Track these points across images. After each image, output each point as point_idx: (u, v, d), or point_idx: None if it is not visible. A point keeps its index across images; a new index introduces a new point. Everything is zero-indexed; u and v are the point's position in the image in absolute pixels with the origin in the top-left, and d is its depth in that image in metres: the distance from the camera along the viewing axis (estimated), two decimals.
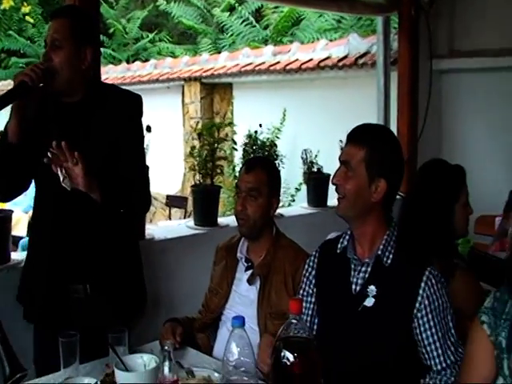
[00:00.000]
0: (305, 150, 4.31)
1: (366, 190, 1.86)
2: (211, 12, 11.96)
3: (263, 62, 6.87)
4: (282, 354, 1.39)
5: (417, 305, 1.82)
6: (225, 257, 2.46)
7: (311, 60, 6.24)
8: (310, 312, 2.03)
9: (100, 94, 2.32)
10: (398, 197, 2.00)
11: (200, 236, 3.52)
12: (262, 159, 3.39)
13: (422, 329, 1.83)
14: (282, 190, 2.47)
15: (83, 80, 2.27)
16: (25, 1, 12.62)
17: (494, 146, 4.54)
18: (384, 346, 1.82)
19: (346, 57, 5.85)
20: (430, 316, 1.82)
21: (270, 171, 2.40)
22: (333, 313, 1.95)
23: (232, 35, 11.16)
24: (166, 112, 8.10)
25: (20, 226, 6.10)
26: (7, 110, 2.18)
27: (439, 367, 1.83)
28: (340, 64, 5.80)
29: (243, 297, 2.36)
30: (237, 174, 2.46)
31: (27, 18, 12.84)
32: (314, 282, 2.04)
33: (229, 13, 11.39)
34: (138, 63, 9.94)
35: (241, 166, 2.57)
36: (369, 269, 1.89)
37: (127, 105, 2.33)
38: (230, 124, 4.35)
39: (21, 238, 5.85)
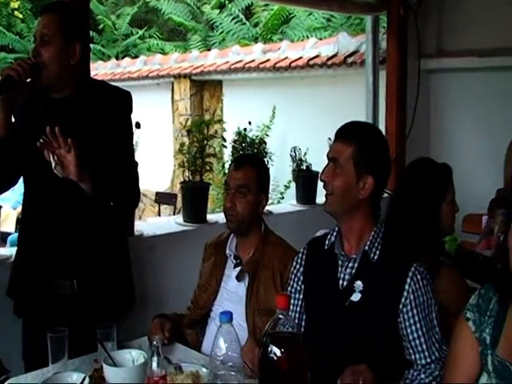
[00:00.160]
0: (294, 148, 4.33)
1: (353, 187, 1.88)
2: (201, 9, 11.93)
3: (253, 60, 6.88)
4: (269, 349, 1.39)
5: (402, 300, 1.84)
6: (214, 254, 2.46)
7: (301, 58, 6.25)
8: (297, 309, 2.04)
9: (89, 90, 2.33)
10: (385, 195, 2.02)
11: (189, 232, 3.53)
12: (251, 156, 3.41)
13: (407, 323, 1.85)
14: (271, 187, 2.48)
15: (72, 76, 2.28)
16: None
17: (482, 145, 4.58)
18: (371, 341, 1.84)
19: (335, 55, 5.87)
20: (414, 311, 1.84)
21: (259, 168, 2.41)
22: (320, 308, 1.97)
23: (222, 32, 11.14)
24: (155, 109, 8.08)
25: (9, 222, 6.09)
26: None
27: (423, 362, 1.85)
28: (329, 62, 5.82)
29: (232, 293, 2.37)
30: (226, 171, 2.48)
31: (16, 13, 12.73)
32: (301, 278, 2.05)
33: (219, 10, 11.36)
34: (127, 59, 9.89)
35: (230, 163, 2.58)
36: (356, 264, 1.91)
37: (116, 101, 2.33)
38: (220, 121, 4.37)
39: (9, 234, 5.84)
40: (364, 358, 1.73)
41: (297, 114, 6.29)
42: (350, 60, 5.62)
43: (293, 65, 6.23)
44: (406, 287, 1.84)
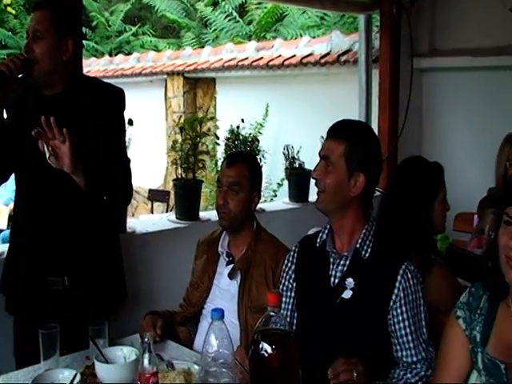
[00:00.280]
0: (286, 146, 4.33)
1: (345, 185, 1.89)
2: (195, 6, 11.91)
3: (246, 58, 6.87)
4: (260, 345, 1.40)
5: (393, 297, 1.85)
6: (206, 251, 2.46)
7: (294, 56, 6.25)
8: (289, 306, 2.05)
9: (82, 87, 2.32)
10: (377, 193, 2.02)
11: (181, 230, 3.52)
12: (244, 154, 3.41)
13: (396, 320, 1.85)
14: (264, 185, 2.49)
15: (64, 72, 2.27)
16: None
17: (474, 145, 4.59)
18: (362, 338, 1.85)
19: (328, 54, 5.87)
20: (403, 308, 1.85)
21: (251, 165, 2.42)
22: (312, 306, 1.98)
23: (215, 30, 11.12)
24: (148, 106, 8.07)
25: (1, 219, 6.07)
26: None
27: (409, 360, 1.86)
28: (322, 61, 5.82)
29: (224, 291, 2.37)
30: (219, 169, 2.48)
31: (9, 9, 12.67)
32: (293, 276, 2.06)
33: (212, 7, 11.34)
34: (120, 56, 9.87)
35: (223, 160, 2.58)
36: (347, 262, 1.92)
37: (109, 98, 2.33)
38: (212, 118, 4.37)
39: (1, 230, 5.82)
40: (355, 355, 1.73)
41: (290, 112, 6.29)
42: (343, 58, 5.62)
43: (286, 63, 6.23)
44: (397, 285, 1.85)
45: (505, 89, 4.38)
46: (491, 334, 1.57)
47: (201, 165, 3.67)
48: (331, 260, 1.94)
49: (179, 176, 3.69)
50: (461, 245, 3.30)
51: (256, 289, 2.28)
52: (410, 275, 1.86)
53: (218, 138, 4.23)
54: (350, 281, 1.89)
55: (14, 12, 12.77)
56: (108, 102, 2.32)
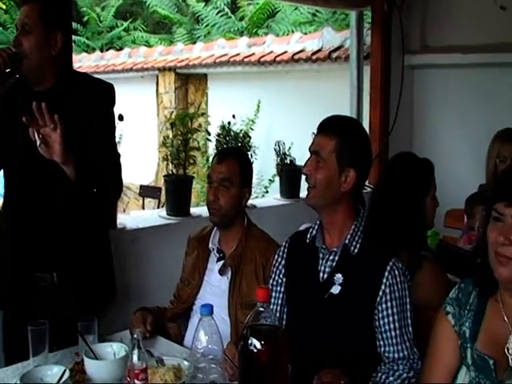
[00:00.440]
0: (278, 142, 4.32)
1: (336, 180, 1.89)
2: (186, 2, 11.88)
3: (238, 54, 6.87)
4: (249, 341, 1.40)
5: (380, 293, 1.85)
6: (196, 247, 2.46)
7: (285, 52, 6.26)
8: (279, 301, 2.05)
9: (71, 82, 2.31)
10: (368, 189, 2.03)
11: (172, 226, 3.52)
12: (234, 149, 3.40)
13: (381, 315, 1.86)
14: (255, 181, 2.48)
15: (53, 66, 2.25)
16: None
17: (464, 141, 4.60)
18: (350, 333, 1.85)
19: (319, 50, 5.88)
20: (389, 304, 1.85)
21: (242, 161, 2.41)
22: (301, 301, 1.98)
23: (207, 26, 11.11)
24: (140, 102, 8.04)
25: None
26: None
27: (391, 356, 1.86)
28: (314, 57, 5.83)
29: (215, 287, 2.37)
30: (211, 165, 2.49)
31: None
32: (283, 271, 2.06)
33: (204, 3, 11.32)
34: (111, 52, 9.83)
35: (213, 156, 2.58)
36: (336, 257, 1.92)
37: (99, 93, 2.32)
38: (203, 114, 4.35)
39: None
40: (344, 350, 1.74)
41: (281, 109, 6.29)
42: (334, 55, 5.63)
43: (278, 59, 6.24)
44: (384, 280, 1.85)
45: (495, 86, 4.39)
46: (480, 330, 1.58)
47: (192, 161, 3.67)
48: (320, 255, 1.95)
49: (170, 172, 3.68)
50: (451, 241, 3.30)
51: (246, 285, 2.28)
52: (397, 272, 1.87)
53: (209, 134, 4.22)
54: (338, 276, 1.90)
55: (4, 7, 12.68)
56: (98, 97, 2.31)
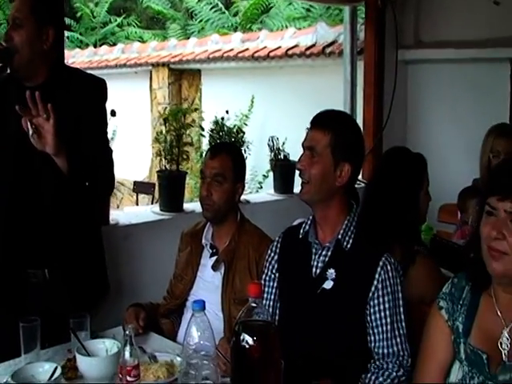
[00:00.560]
0: (271, 138, 4.32)
1: (331, 175, 1.88)
2: None
3: (232, 49, 6.86)
4: (242, 337, 1.39)
5: (372, 288, 1.85)
6: (190, 243, 2.46)
7: (279, 48, 6.25)
8: (272, 297, 2.04)
9: (63, 77, 2.29)
10: (362, 185, 2.02)
11: (165, 221, 3.51)
12: (227, 145, 3.39)
13: (373, 310, 1.85)
14: (249, 176, 2.48)
15: (45, 61, 2.24)
16: None
17: (458, 137, 4.61)
18: (343, 328, 1.85)
19: (313, 45, 5.88)
20: (381, 299, 1.84)
21: (235, 156, 2.41)
22: (293, 296, 1.97)
23: (201, 21, 11.09)
24: (133, 97, 8.03)
25: None
26: None
27: (380, 352, 1.85)
28: (308, 52, 5.83)
29: (208, 283, 2.37)
30: None
31: None
32: (276, 266, 2.05)
33: None
34: (105, 47, 9.80)
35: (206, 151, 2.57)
36: (329, 253, 1.92)
37: (91, 88, 2.31)
38: (197, 110, 4.34)
39: None
40: (337, 345, 1.73)
41: (275, 104, 6.28)
42: (328, 50, 5.63)
43: (271, 54, 6.23)
44: (376, 276, 1.85)
45: (489, 81, 4.40)
46: (473, 325, 1.58)
47: (185, 156, 3.66)
48: (313, 251, 1.94)
49: (163, 167, 3.67)
50: (445, 236, 3.31)
51: (240, 280, 2.28)
52: (389, 267, 1.86)
53: (202, 130, 4.21)
54: (331, 271, 1.89)
55: None
56: (90, 92, 2.30)
